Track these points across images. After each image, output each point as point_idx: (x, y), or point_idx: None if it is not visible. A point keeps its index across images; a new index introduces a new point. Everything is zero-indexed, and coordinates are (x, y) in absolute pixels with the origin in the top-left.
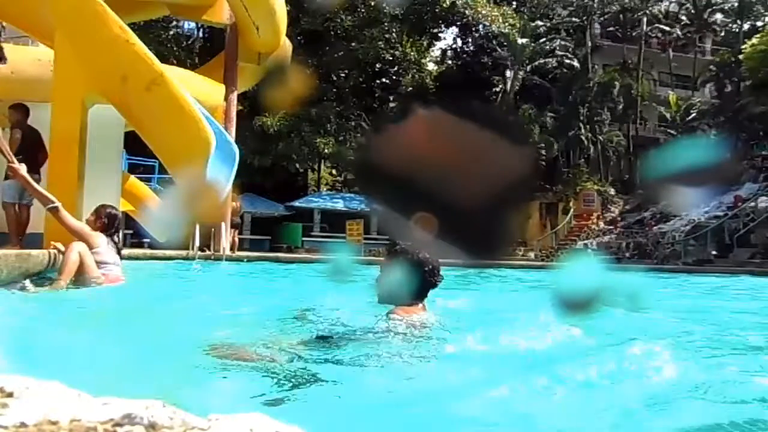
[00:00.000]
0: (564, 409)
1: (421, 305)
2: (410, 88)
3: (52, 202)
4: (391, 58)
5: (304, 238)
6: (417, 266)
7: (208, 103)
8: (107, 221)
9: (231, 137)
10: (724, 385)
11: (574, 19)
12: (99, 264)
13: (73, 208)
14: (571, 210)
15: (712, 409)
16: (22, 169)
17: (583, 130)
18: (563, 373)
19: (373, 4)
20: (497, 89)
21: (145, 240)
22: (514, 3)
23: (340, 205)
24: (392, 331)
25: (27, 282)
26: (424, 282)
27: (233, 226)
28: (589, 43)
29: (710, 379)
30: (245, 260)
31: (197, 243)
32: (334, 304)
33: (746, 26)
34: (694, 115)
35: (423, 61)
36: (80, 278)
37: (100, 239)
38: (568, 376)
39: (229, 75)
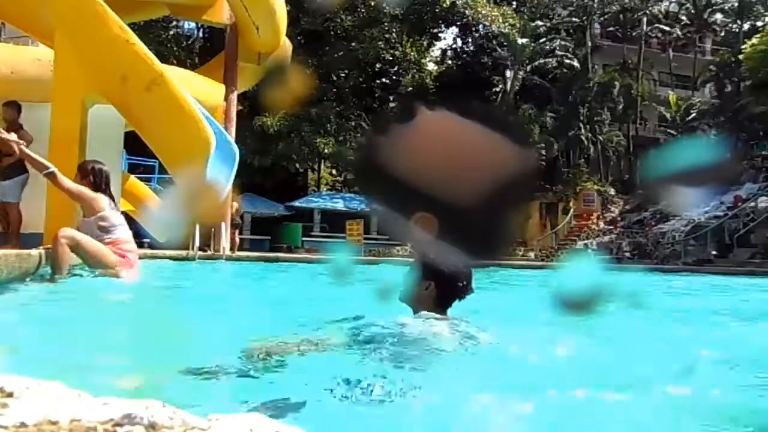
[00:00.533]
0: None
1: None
2: (410, 88)
3: (47, 168)
4: (391, 58)
5: (304, 238)
6: (444, 275)
7: (208, 103)
8: (93, 178)
9: (231, 137)
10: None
11: (574, 19)
12: (107, 228)
13: (73, 208)
14: (571, 210)
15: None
16: (12, 136)
17: (583, 130)
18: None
19: (373, 4)
20: (497, 89)
21: (145, 240)
22: (514, 3)
23: (340, 205)
24: (400, 334)
25: (29, 280)
26: (450, 291)
27: (233, 226)
28: (589, 43)
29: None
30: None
31: (197, 243)
32: (335, 305)
33: (746, 26)
34: (694, 115)
35: (423, 61)
36: (93, 262)
37: (103, 201)
38: (570, 390)
39: (229, 75)
